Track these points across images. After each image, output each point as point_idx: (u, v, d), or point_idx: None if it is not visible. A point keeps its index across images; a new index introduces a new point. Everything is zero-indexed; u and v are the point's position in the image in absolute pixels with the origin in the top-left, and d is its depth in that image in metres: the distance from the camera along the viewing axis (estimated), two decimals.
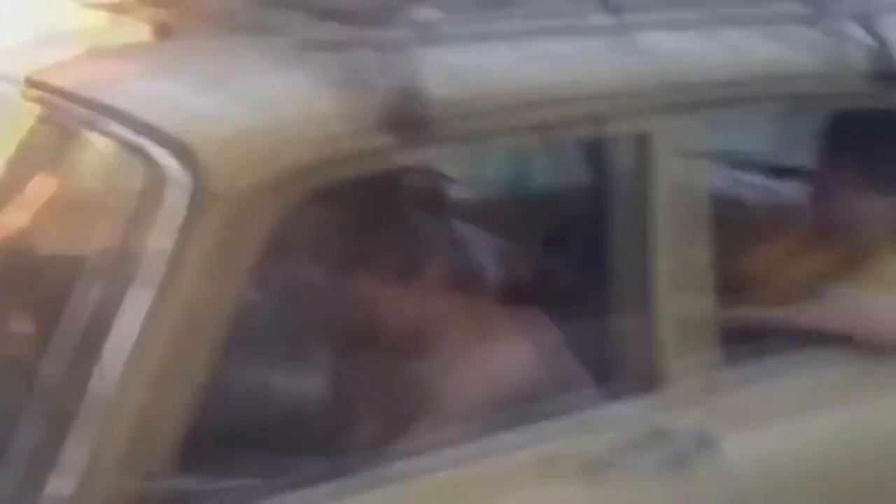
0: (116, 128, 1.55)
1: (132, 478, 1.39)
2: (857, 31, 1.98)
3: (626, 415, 1.77)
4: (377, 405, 1.71)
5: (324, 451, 1.60)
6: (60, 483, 1.36)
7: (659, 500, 1.75)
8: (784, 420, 1.87)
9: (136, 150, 1.50)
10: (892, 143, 2.18)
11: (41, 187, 1.81)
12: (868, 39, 1.97)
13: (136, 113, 1.55)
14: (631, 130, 1.78)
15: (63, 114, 1.70)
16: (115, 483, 1.38)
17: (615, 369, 1.80)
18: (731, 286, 1.87)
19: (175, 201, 1.44)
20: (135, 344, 1.39)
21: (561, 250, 2.06)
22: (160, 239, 1.42)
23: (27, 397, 1.43)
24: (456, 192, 1.91)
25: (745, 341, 1.88)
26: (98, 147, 1.64)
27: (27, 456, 1.39)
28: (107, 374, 1.39)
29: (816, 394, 1.93)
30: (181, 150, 1.46)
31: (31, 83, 1.73)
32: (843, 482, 1.91)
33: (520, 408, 1.72)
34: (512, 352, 1.78)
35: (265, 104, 1.58)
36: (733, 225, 1.90)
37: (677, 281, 1.79)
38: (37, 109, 1.77)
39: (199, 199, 1.44)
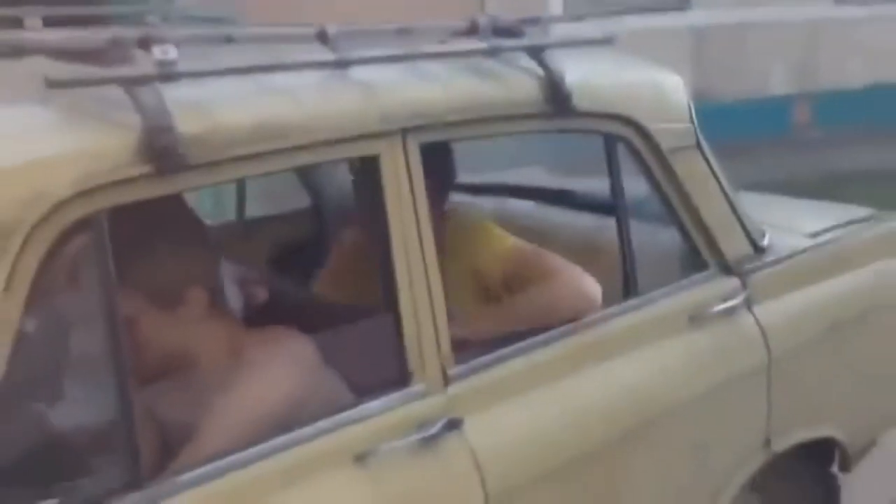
0: None
1: None
2: (530, 64, 2.31)
3: (384, 408, 1.95)
4: (154, 424, 1.77)
5: (106, 471, 1.66)
6: None
7: (416, 476, 1.95)
8: (513, 398, 2.14)
9: None
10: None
11: None
12: (540, 70, 2.30)
13: None
14: (360, 153, 1.98)
15: None
16: None
17: (370, 371, 1.97)
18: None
19: None
20: None
21: (309, 269, 2.20)
22: None
23: None
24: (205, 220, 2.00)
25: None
26: None
27: None
28: None
29: (535, 373, 2.21)
30: None
31: None
32: (568, 444, 2.20)
33: (289, 415, 1.85)
34: (272, 369, 1.91)
35: (25, 140, 1.63)
36: None
37: (414, 289, 2.00)
38: None
39: None
